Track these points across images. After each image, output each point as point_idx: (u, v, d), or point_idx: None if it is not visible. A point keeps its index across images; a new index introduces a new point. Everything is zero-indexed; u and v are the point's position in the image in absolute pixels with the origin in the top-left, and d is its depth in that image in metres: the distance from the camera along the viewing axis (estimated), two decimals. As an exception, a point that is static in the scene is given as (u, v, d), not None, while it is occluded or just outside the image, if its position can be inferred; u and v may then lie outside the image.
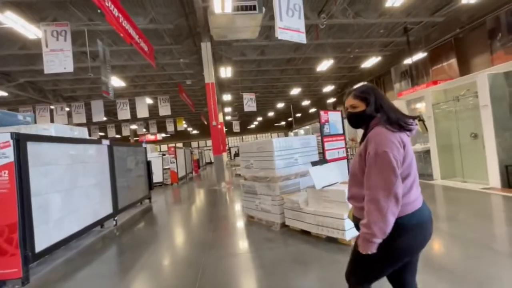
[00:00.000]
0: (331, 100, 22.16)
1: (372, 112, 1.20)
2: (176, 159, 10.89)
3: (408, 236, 1.11)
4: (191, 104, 14.27)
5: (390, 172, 1.06)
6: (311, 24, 10.27)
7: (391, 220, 1.05)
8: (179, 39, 10.79)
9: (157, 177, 10.18)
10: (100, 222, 4.39)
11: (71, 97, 16.69)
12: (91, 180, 4.18)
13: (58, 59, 5.13)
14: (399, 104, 7.28)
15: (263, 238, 3.44)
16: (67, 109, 13.76)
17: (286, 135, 38.39)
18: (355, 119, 1.27)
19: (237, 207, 5.62)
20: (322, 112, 4.44)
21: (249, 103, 10.78)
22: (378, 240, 1.07)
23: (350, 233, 2.80)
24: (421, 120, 7.14)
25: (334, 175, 3.21)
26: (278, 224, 3.65)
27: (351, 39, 11.66)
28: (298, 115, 27.65)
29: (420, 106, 6.65)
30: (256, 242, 3.38)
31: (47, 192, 3.17)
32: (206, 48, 8.51)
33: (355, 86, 1.29)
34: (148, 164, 6.93)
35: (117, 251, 3.85)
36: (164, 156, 11.30)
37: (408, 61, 12.00)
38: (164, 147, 32.01)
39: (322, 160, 3.34)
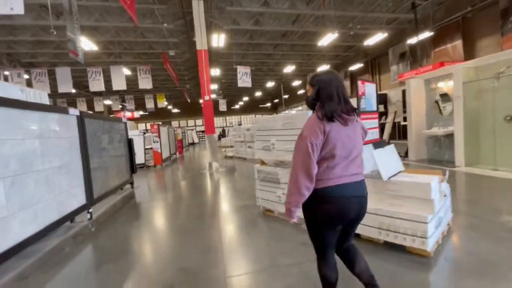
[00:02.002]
0: (322, 82, 21.38)
1: (314, 98, 1.39)
2: (159, 138, 9.66)
3: (327, 205, 1.32)
4: (175, 77, 12.77)
5: (305, 154, 1.27)
6: (317, -10, 9.14)
7: (305, 192, 1.28)
8: (164, -2, 9.18)
9: (139, 158, 8.94)
10: (69, 217, 3.32)
11: (31, 63, 14.35)
12: (53, 161, 3.05)
13: (2, -5, 3.70)
14: (419, 82, 6.59)
15: (297, 242, 2.61)
16: (26, 76, 11.71)
17: (271, 117, 37.53)
18: (307, 102, 1.46)
19: (243, 196, 4.74)
20: (359, 82, 3.56)
21: (244, 78, 9.64)
22: (295, 209, 1.33)
23: (432, 241, 2.03)
24: (436, 102, 6.58)
25: (397, 162, 2.40)
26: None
27: (355, 12, 10.69)
28: (285, 96, 26.72)
29: (444, 85, 5.99)
30: (286, 248, 2.55)
31: (-21, 181, 2.06)
32: (198, 8, 7.16)
33: (315, 73, 1.46)
34: (130, 142, 5.76)
35: (93, 259, 2.85)
36: (145, 135, 10.00)
37: (413, 40, 11.33)
38: (142, 126, 29.89)
39: (383, 142, 2.51)
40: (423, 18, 11.21)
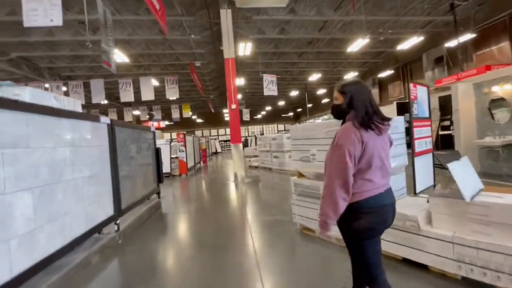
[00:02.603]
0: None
1: (345, 107, 1.34)
2: (185, 147, 9.65)
3: (368, 217, 1.28)
4: (201, 87, 12.91)
5: (342, 163, 1.23)
6: (347, -6, 8.83)
7: (342, 204, 1.24)
8: (192, 10, 9.36)
9: (165, 167, 8.95)
10: (97, 229, 3.19)
11: (69, 77, 15.33)
12: (83, 171, 2.94)
13: (43, 7, 3.83)
14: (467, 87, 5.97)
15: (346, 269, 2.21)
16: (64, 88, 12.45)
17: (293, 126, 37.02)
18: (335, 111, 1.41)
19: (274, 210, 4.40)
20: (411, 86, 3.16)
21: (270, 86, 9.44)
22: (332, 221, 1.26)
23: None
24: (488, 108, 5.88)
25: (476, 178, 1.96)
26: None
27: (387, 16, 10.18)
28: (309, 105, 26.22)
29: (499, 89, 5.32)
30: (334, 276, 2.16)
31: (7, 191, 1.94)
32: (226, 16, 7.14)
33: (343, 81, 1.43)
34: (158, 151, 5.69)
35: (121, 278, 2.65)
36: (171, 144, 10.07)
37: (451, 43, 10.53)
38: (167, 135, 30.77)
39: (456, 153, 2.08)
40: (462, 19, 10.41)
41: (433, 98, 13.26)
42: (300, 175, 3.16)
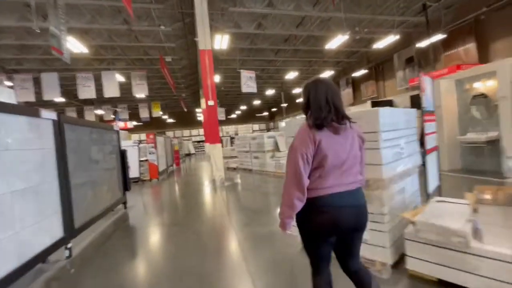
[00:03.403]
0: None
1: (305, 106, 1.37)
2: (156, 149, 8.74)
3: (318, 215, 1.28)
4: (172, 83, 11.98)
5: (296, 165, 1.25)
6: (327, -11, 8.60)
7: (297, 204, 1.27)
8: (161, -3, 8.49)
9: (133, 171, 7.98)
10: (38, 260, 2.39)
11: (16, 70, 13.38)
12: (13, 183, 2.15)
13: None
14: (449, 83, 5.96)
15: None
16: (10, 83, 10.75)
17: (268, 127, 36.86)
18: (302, 110, 1.41)
19: (264, 219, 3.87)
20: (421, 75, 2.82)
21: (248, 83, 8.91)
22: (289, 220, 1.31)
23: None
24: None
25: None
26: (388, 267, 1.99)
27: (363, 14, 10.19)
28: (284, 105, 26.18)
29: (481, 86, 5.33)
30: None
31: None
32: (201, 3, 6.45)
33: (306, 81, 1.47)
34: (123, 154, 4.86)
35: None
36: (140, 146, 9.08)
37: (421, 44, 10.86)
38: (135, 137, 28.77)
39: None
40: (432, 21, 10.78)
41: (404, 97, 13.74)
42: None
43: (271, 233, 3.20)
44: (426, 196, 2.62)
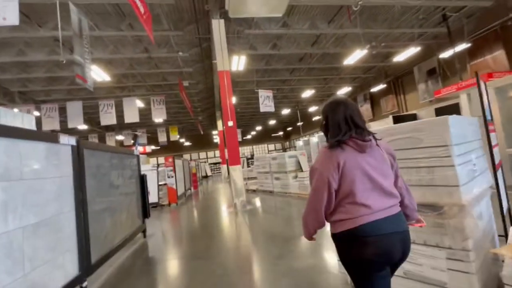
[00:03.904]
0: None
1: (324, 128, 1.32)
2: (175, 172, 8.59)
3: (365, 248, 1.13)
4: (190, 106, 12.11)
5: (315, 189, 1.20)
6: (342, 5, 8.57)
7: (311, 226, 1.27)
8: (180, 24, 8.78)
9: (152, 196, 7.80)
10: (50, 304, 2.10)
11: (44, 101, 14.15)
12: (26, 217, 1.93)
13: (-9, 1, 2.98)
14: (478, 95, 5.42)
15: None
16: (37, 113, 11.26)
17: (284, 147, 36.50)
18: (322, 132, 1.36)
19: (298, 250, 3.43)
20: (481, 81, 2.45)
21: (266, 102, 8.78)
22: (308, 236, 1.33)
23: None
24: None
25: None
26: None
27: (380, 29, 10.03)
28: (299, 124, 25.91)
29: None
30: None
31: None
32: (218, 27, 6.53)
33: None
34: (143, 179, 4.67)
35: None
36: (159, 169, 8.98)
37: (445, 54, 10.44)
38: (153, 161, 29.24)
39: None
40: (453, 31, 10.43)
41: (429, 110, 13.09)
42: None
43: (310, 267, 2.77)
44: (502, 223, 2.15)
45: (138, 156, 4.63)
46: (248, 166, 19.09)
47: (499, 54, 9.50)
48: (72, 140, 2.56)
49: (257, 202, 7.41)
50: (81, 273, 2.51)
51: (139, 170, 4.68)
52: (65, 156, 2.46)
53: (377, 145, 1.24)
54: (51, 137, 2.31)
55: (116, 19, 8.22)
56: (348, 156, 1.17)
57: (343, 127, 1.21)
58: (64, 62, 6.54)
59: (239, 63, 8.20)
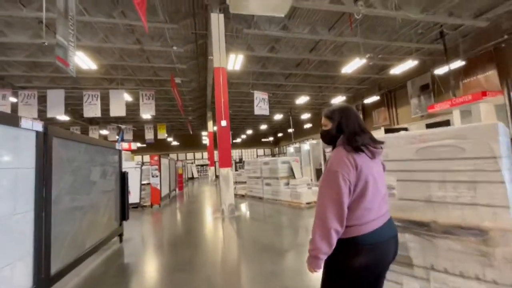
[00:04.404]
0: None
1: (335, 132, 1.28)
2: (160, 172, 8.09)
3: (363, 256, 1.11)
4: (181, 104, 11.65)
5: (336, 190, 1.11)
6: (344, 12, 8.46)
7: (334, 237, 1.10)
8: (176, 17, 8.40)
9: (133, 196, 7.27)
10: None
11: (24, 88, 13.27)
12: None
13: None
14: (488, 107, 5.41)
15: None
16: (14, 99, 10.49)
17: (273, 152, 36.32)
18: (325, 137, 1.34)
19: (294, 264, 3.09)
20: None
21: (261, 105, 8.48)
22: (324, 256, 1.12)
23: None
24: None
25: None
26: None
27: (379, 40, 10.02)
28: (290, 130, 25.80)
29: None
30: None
31: None
32: (217, 21, 6.21)
33: (330, 107, 1.36)
34: (124, 177, 4.21)
35: None
36: (142, 168, 8.45)
37: (439, 71, 10.56)
38: (138, 159, 28.25)
39: None
40: (448, 48, 10.58)
41: (419, 125, 13.23)
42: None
43: (310, 287, 2.43)
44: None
45: (120, 151, 4.18)
46: (236, 170, 18.67)
47: (492, 74, 9.68)
48: (37, 125, 2.13)
49: (246, 208, 7.03)
50: (35, 287, 2.06)
51: (120, 167, 4.23)
52: (26, 144, 2.03)
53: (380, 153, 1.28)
54: (9, 119, 1.88)
55: (108, 5, 7.74)
56: (363, 161, 1.17)
57: (359, 133, 1.23)
58: (46, 44, 5.99)
59: (235, 62, 7.90)
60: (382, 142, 1.27)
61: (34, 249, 2.06)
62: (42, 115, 11.74)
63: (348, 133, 1.24)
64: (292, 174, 7.30)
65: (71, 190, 2.70)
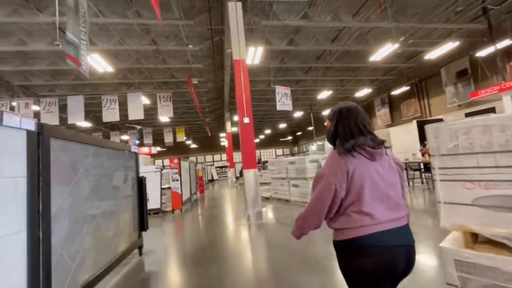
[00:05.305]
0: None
1: (333, 133, 1.29)
2: (180, 175, 7.73)
3: (367, 259, 1.11)
4: (199, 105, 11.32)
5: (320, 194, 1.16)
6: (372, -6, 7.69)
7: (307, 230, 1.24)
8: (191, 13, 8.02)
9: (153, 202, 6.94)
10: None
11: (46, 96, 13.58)
12: None
13: None
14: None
15: None
16: (36, 107, 10.64)
17: (292, 152, 35.48)
18: (327, 137, 1.36)
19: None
20: None
21: (283, 100, 7.90)
22: (294, 237, 1.31)
23: None
24: None
25: None
26: None
27: (410, 23, 9.08)
28: (310, 128, 24.88)
29: None
30: None
31: None
32: (235, 10, 5.71)
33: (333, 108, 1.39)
34: (141, 183, 3.79)
35: None
36: (162, 172, 8.14)
37: (482, 53, 9.42)
38: (158, 162, 28.58)
39: None
40: (486, 30, 9.40)
41: (457, 116, 12.01)
42: (471, 238, 1.32)
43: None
44: None
45: (136, 154, 3.77)
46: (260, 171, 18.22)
47: (547, 52, 8.45)
48: (28, 123, 1.69)
49: (273, 212, 6.46)
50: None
51: (137, 171, 3.81)
52: (13, 147, 1.59)
53: (386, 154, 1.24)
54: (-14, 115, 1.45)
55: (123, 4, 7.51)
56: (359, 164, 1.16)
57: (356, 134, 1.20)
58: (61, 46, 5.78)
59: (255, 55, 7.36)
60: (382, 142, 1.23)
61: (28, 280, 1.62)
62: (64, 121, 11.90)
63: (341, 134, 1.23)
64: (321, 174, 6.63)
65: (78, 201, 2.27)
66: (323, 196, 1.14)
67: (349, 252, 1.13)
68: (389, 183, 1.18)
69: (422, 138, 11.92)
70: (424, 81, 13.80)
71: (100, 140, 2.78)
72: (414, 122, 12.24)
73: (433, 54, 9.32)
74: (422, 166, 8.92)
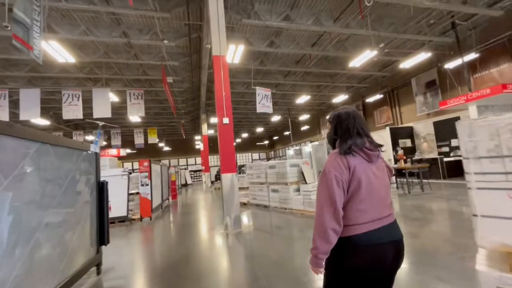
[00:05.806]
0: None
1: (333, 135, 1.34)
2: (150, 179, 7.07)
3: (360, 257, 1.12)
4: (173, 104, 10.67)
5: (330, 190, 1.15)
6: (352, 0, 7.75)
7: (332, 236, 1.12)
8: (168, 5, 7.49)
9: (118, 209, 6.22)
10: None
11: (-2, 89, 12.00)
12: None
13: None
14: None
15: None
16: (-18, 101, 9.29)
17: (268, 156, 35.44)
18: (328, 139, 1.41)
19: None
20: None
21: (264, 102, 7.61)
22: (323, 255, 1.15)
23: None
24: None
25: None
26: None
27: (387, 32, 9.35)
28: (287, 132, 24.99)
29: None
30: None
31: None
32: (216, 2, 5.33)
33: (333, 111, 1.44)
34: (102, 188, 3.22)
35: None
36: (130, 175, 7.41)
37: (450, 65, 9.97)
38: (128, 165, 26.86)
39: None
40: (454, 43, 10.01)
41: (426, 123, 12.63)
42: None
43: None
44: None
45: (97, 155, 3.20)
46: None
47: (507, 67, 9.14)
48: None
49: (251, 219, 6.08)
50: None
51: (98, 175, 3.24)
52: None
53: (380, 157, 1.30)
54: None
55: (88, -12, 6.78)
56: (358, 163, 1.19)
57: (354, 136, 1.25)
58: (10, 29, 4.96)
59: (235, 53, 7.01)
60: (381, 146, 1.29)
61: None
62: (15, 116, 10.56)
63: (340, 136, 1.29)
64: (302, 179, 6.42)
65: (6, 213, 1.72)
66: (332, 190, 1.14)
67: (341, 250, 1.13)
68: (383, 184, 1.23)
69: (395, 144, 12.36)
70: (396, 90, 14.42)
71: (47, 136, 2.23)
72: (387, 129, 12.65)
73: (407, 63, 9.68)
74: (395, 172, 9.15)
